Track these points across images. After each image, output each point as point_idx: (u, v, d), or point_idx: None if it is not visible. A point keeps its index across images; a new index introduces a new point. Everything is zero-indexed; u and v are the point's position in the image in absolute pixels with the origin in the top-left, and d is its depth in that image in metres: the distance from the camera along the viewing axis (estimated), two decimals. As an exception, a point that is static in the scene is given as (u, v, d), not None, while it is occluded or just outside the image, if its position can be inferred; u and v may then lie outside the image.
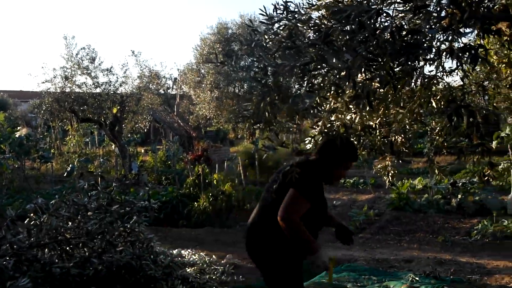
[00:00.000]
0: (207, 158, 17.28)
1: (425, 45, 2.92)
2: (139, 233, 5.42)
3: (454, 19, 2.89)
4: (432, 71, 3.37)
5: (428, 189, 12.00)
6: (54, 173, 16.09)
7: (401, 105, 3.85)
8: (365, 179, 14.51)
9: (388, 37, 2.84)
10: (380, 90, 3.46)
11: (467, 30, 3.06)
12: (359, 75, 3.03)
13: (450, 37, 2.98)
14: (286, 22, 3.22)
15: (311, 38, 3.13)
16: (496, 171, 11.88)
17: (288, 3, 3.18)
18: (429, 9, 2.93)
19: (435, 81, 3.53)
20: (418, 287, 5.92)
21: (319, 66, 3.04)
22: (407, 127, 4.21)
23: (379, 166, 4.78)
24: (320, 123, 3.92)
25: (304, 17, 3.19)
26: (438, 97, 3.67)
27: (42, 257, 4.75)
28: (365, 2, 2.86)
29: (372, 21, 2.81)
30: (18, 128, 18.98)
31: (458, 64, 2.93)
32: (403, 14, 3.09)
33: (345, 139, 3.64)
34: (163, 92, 33.32)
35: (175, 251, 6.89)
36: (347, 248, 6.75)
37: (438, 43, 3.00)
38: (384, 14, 2.95)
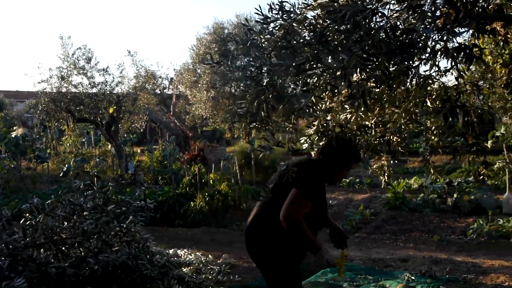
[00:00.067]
0: (203, 157, 17.27)
1: (420, 44, 2.93)
2: (135, 233, 5.41)
3: (449, 18, 2.90)
4: (427, 70, 3.38)
5: (424, 188, 12.04)
6: (50, 173, 16.07)
7: (397, 104, 3.85)
8: (361, 178, 14.54)
9: (383, 36, 2.85)
10: (376, 90, 3.47)
11: (462, 29, 3.07)
12: (355, 74, 3.03)
13: (445, 37, 2.99)
14: (282, 22, 3.23)
15: (306, 37, 3.13)
16: (491, 170, 11.93)
17: (284, 3, 3.18)
18: (424, 8, 2.94)
19: (430, 81, 3.54)
20: (414, 286, 5.93)
21: (314, 66, 3.04)
22: (403, 126, 4.21)
23: (375, 165, 4.79)
24: (315, 123, 3.92)
25: (299, 17, 3.20)
26: (433, 97, 3.68)
27: (37, 257, 4.74)
28: (360, 2, 2.86)
29: (367, 20, 2.82)
30: (14, 128, 18.93)
31: (453, 63, 2.94)
32: (398, 14, 3.10)
33: (348, 140, 3.66)
34: (159, 92, 33.23)
35: (171, 251, 6.90)
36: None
37: (433, 43, 3.01)
38: (379, 14, 2.95)
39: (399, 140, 4.23)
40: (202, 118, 29.25)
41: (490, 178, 10.00)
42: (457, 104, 3.29)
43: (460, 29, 3.02)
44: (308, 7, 3.20)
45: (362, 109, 3.39)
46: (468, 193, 11.09)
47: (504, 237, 8.37)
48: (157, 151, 19.33)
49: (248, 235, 3.70)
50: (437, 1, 2.98)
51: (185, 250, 7.26)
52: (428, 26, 2.91)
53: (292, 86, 3.34)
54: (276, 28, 3.26)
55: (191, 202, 10.61)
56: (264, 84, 3.12)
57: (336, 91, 3.20)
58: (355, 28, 2.78)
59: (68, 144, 19.31)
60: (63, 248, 5.10)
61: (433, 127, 4.18)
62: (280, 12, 3.20)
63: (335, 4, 2.97)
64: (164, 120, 28.07)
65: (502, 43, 3.79)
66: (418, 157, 15.04)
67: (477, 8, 2.99)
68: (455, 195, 10.91)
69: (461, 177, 13.40)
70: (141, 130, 21.53)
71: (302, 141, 4.07)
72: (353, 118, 3.88)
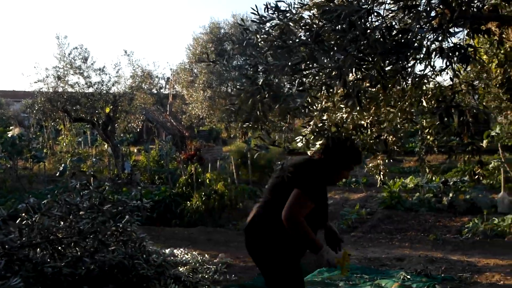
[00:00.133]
0: (200, 157, 17.27)
1: (415, 44, 2.94)
2: (131, 232, 5.41)
3: (444, 18, 2.92)
4: (422, 70, 3.40)
5: (419, 187, 12.07)
6: (46, 173, 16.04)
7: (392, 104, 3.87)
8: (357, 178, 14.56)
9: (379, 36, 2.86)
10: (371, 90, 3.48)
11: (457, 29, 3.09)
12: (350, 74, 3.04)
13: (440, 37, 3.00)
14: (277, 21, 3.23)
15: (302, 37, 3.14)
16: (487, 169, 11.97)
17: (279, 3, 3.19)
18: (419, 8, 2.95)
19: (425, 81, 3.56)
20: (410, 285, 5.95)
21: (310, 66, 3.05)
22: (398, 126, 4.23)
23: (370, 165, 4.81)
24: (311, 123, 3.93)
25: (295, 17, 3.21)
26: (429, 96, 3.69)
27: (33, 257, 4.74)
28: (355, 1, 2.87)
29: (362, 20, 2.83)
30: (11, 127, 18.88)
31: (448, 63, 2.95)
32: (393, 14, 3.12)
33: (349, 141, 3.67)
34: (156, 91, 33.28)
35: (167, 250, 6.90)
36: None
37: (428, 43, 3.02)
38: (375, 14, 2.96)
39: (394, 139, 4.24)
40: (198, 118, 29.24)
41: (485, 178, 10.03)
42: (452, 104, 3.30)
43: (455, 29, 3.03)
44: (304, 7, 3.21)
45: (358, 108, 3.39)
46: (463, 192, 11.13)
47: (499, 236, 8.40)
48: (153, 150, 19.31)
49: (249, 234, 3.71)
50: (432, 1, 2.99)
51: (181, 249, 7.27)
52: (423, 26, 2.92)
53: (288, 86, 3.35)
54: (272, 28, 3.27)
55: (188, 202, 10.61)
56: (260, 83, 3.12)
57: (331, 90, 3.21)
58: (350, 28, 2.79)
59: (64, 144, 19.26)
60: (59, 247, 5.10)
61: (429, 127, 4.19)
62: (276, 12, 3.21)
63: (331, 4, 2.98)
64: (161, 120, 28.04)
65: (497, 43, 3.81)
66: (414, 157, 15.04)
67: (472, 8, 3.01)
68: (450, 195, 10.95)
69: (457, 176, 13.44)
70: (138, 130, 21.52)
71: (297, 141, 4.08)
72: (348, 117, 3.89)
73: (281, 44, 3.12)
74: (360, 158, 3.78)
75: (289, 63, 3.01)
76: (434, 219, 10.04)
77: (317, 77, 3.08)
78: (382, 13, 3.05)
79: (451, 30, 2.98)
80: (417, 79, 3.45)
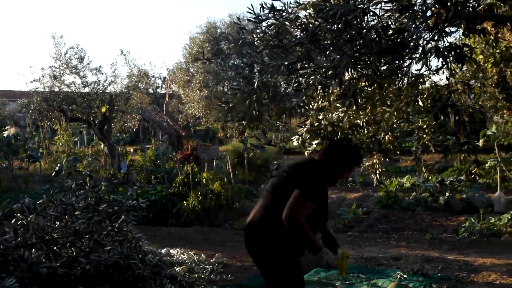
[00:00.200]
0: (196, 157, 17.24)
1: (411, 44, 2.94)
2: (127, 232, 5.41)
3: (440, 18, 2.92)
4: (418, 70, 3.40)
5: (416, 187, 12.08)
6: (42, 173, 15.99)
7: (388, 103, 3.87)
8: (354, 177, 14.55)
9: (374, 36, 2.86)
10: (367, 89, 3.48)
11: (453, 29, 3.09)
12: (346, 74, 3.04)
13: (436, 36, 3.00)
14: (273, 21, 3.23)
15: (298, 37, 3.14)
16: (483, 169, 11.99)
17: (275, 2, 3.19)
18: (415, 8, 2.95)
19: (421, 80, 3.56)
20: (406, 285, 5.95)
21: (306, 65, 3.05)
22: (395, 125, 4.23)
23: (367, 164, 4.81)
24: (307, 122, 3.93)
25: (291, 16, 3.20)
26: (425, 96, 3.70)
27: (29, 257, 4.73)
28: (351, 1, 2.87)
29: (358, 20, 2.83)
30: (6, 127, 18.84)
31: (444, 63, 2.96)
32: (389, 14, 3.11)
33: (350, 142, 3.67)
34: (152, 91, 33.17)
35: (163, 250, 6.89)
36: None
37: (424, 42, 3.02)
38: (371, 13, 2.96)
39: (391, 139, 4.24)
40: (195, 117, 29.22)
41: (481, 177, 10.03)
42: (448, 103, 3.30)
43: (451, 28, 3.03)
44: (299, 6, 3.21)
45: (354, 108, 3.40)
46: (460, 191, 11.14)
47: (496, 235, 8.41)
48: (150, 150, 19.27)
49: (249, 234, 3.70)
50: (428, 1, 2.99)
51: (177, 249, 7.25)
52: (419, 26, 2.92)
53: (284, 86, 3.34)
54: (268, 27, 3.26)
55: (184, 202, 10.60)
56: (256, 83, 3.12)
57: (327, 90, 3.21)
58: (346, 27, 2.78)
59: (60, 144, 19.22)
60: (55, 248, 5.09)
61: (425, 126, 4.20)
62: (272, 11, 3.20)
63: (327, 3, 2.97)
64: (157, 120, 28.00)
65: (492, 42, 3.81)
66: (411, 156, 15.11)
67: (467, 8, 3.01)
68: (447, 194, 10.96)
69: (453, 175, 13.45)
70: (134, 130, 21.48)
71: (294, 140, 4.08)
72: (345, 117, 3.89)
73: (277, 43, 3.12)
74: (360, 158, 3.79)
75: (285, 63, 3.01)
76: (431, 218, 10.05)
77: (313, 77, 3.08)
78: (378, 12, 3.05)
79: (446, 29, 2.98)
80: (413, 79, 3.45)
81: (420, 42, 3.01)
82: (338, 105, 3.72)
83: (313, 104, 3.79)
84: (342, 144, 3.64)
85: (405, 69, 3.17)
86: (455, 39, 3.47)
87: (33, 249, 4.89)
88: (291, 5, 3.22)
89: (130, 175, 15.26)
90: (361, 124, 4.04)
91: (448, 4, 2.91)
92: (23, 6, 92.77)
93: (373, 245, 8.35)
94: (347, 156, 3.65)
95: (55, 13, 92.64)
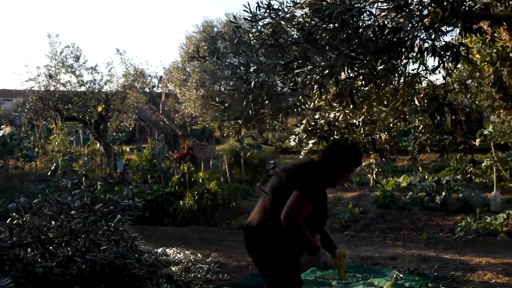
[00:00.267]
0: (192, 156, 17.24)
1: (407, 43, 2.93)
2: (123, 231, 5.39)
3: (436, 17, 2.91)
4: (415, 69, 3.39)
5: (412, 186, 12.10)
6: (38, 172, 15.96)
7: (385, 103, 3.86)
8: (350, 176, 14.55)
9: (371, 35, 2.85)
10: (363, 88, 3.47)
11: (449, 28, 3.09)
12: (342, 73, 3.03)
13: (432, 36, 3.00)
14: (270, 20, 3.22)
15: (294, 36, 3.13)
16: (479, 168, 12.01)
17: (272, 1, 3.18)
18: (411, 7, 2.94)
19: (418, 80, 3.55)
20: (402, 284, 5.96)
21: (302, 64, 3.04)
22: (391, 125, 4.23)
23: (363, 164, 4.81)
24: (304, 121, 3.92)
25: (287, 15, 3.19)
26: (421, 95, 3.69)
27: (24, 257, 4.71)
28: (347, 0, 2.86)
29: (354, 19, 2.82)
30: (2, 126, 18.77)
31: (440, 62, 2.95)
32: (385, 13, 3.11)
33: (351, 143, 3.67)
34: (148, 90, 33.13)
35: (159, 250, 6.87)
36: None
37: (421, 42, 3.02)
38: (367, 13, 2.96)
39: (387, 138, 4.24)
40: (191, 117, 29.22)
41: (478, 176, 10.05)
42: (444, 102, 3.30)
43: (447, 28, 3.03)
44: (296, 6, 3.20)
45: (350, 107, 3.39)
46: (456, 191, 11.16)
47: (492, 235, 8.43)
48: (146, 149, 19.25)
49: (249, 235, 3.71)
50: (424, 0, 2.99)
51: (174, 249, 7.24)
52: (415, 25, 2.92)
53: (280, 85, 3.33)
54: (264, 26, 3.25)
55: (180, 201, 10.58)
56: (252, 82, 3.11)
57: (324, 89, 3.20)
58: (342, 26, 2.78)
59: (56, 143, 19.18)
60: (50, 247, 5.07)
61: (421, 126, 4.19)
62: (268, 10, 3.19)
63: (323, 2, 2.97)
64: (154, 119, 27.96)
65: (489, 42, 3.81)
66: (407, 156, 15.10)
67: (463, 7, 3.01)
68: (443, 193, 10.98)
69: (450, 175, 13.47)
70: (130, 129, 21.45)
71: (290, 140, 4.07)
72: (341, 116, 3.88)
73: (273, 42, 3.11)
74: (360, 159, 3.78)
75: (281, 62, 3.00)
76: (427, 218, 10.07)
77: (309, 76, 3.07)
78: (374, 12, 3.04)
79: (443, 29, 2.97)
80: (409, 78, 3.44)
81: (417, 41, 3.01)
82: (335, 104, 3.71)
83: (309, 104, 3.78)
84: (342, 145, 3.64)
85: (401, 68, 3.16)
86: (452, 38, 3.47)
87: (29, 249, 4.87)
88: (288, 4, 3.21)
89: (126, 174, 15.23)
90: (357, 124, 4.04)
91: (444, 3, 2.90)
92: (18, 4, 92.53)
93: (370, 244, 8.37)
94: (347, 157, 3.64)
95: (50, 11, 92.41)
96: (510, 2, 3.46)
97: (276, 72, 3.07)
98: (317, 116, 3.91)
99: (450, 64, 3.06)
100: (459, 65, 3.65)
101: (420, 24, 2.94)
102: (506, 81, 4.80)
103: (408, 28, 2.87)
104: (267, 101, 3.15)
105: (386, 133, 4.19)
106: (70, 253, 5.01)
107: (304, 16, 3.15)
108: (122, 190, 11.85)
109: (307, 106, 3.70)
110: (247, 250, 3.76)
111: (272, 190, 3.65)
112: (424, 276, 6.23)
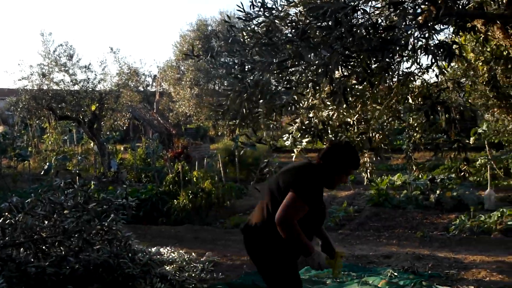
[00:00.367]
0: (187, 155, 17.21)
1: (401, 41, 2.93)
2: (116, 231, 5.37)
3: (430, 16, 2.91)
4: (409, 67, 3.39)
5: (407, 185, 12.11)
6: (31, 172, 15.89)
7: (379, 101, 3.86)
8: (345, 175, 14.54)
9: (364, 33, 2.85)
10: (357, 87, 3.47)
11: (443, 27, 3.08)
12: (336, 71, 3.02)
13: (426, 34, 2.99)
14: (264, 18, 3.21)
15: (288, 34, 3.12)
16: (473, 167, 12.04)
17: (265, 0, 3.17)
18: (405, 5, 2.94)
19: (412, 78, 3.55)
20: (397, 283, 5.96)
21: (296, 63, 3.03)
22: (386, 123, 4.23)
23: (358, 162, 4.80)
24: (298, 120, 3.92)
25: (281, 14, 3.18)
26: (415, 94, 3.70)
27: (17, 257, 4.69)
28: (341, -2, 2.86)
29: (348, 17, 2.81)
30: (-5, 126, 18.69)
31: (434, 60, 2.95)
32: (379, 11, 3.10)
33: (348, 147, 3.66)
34: (142, 89, 33.04)
35: (154, 249, 6.85)
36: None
37: (414, 40, 3.02)
38: (361, 11, 2.95)
39: (382, 137, 4.24)
40: (185, 116, 29.15)
41: (471, 175, 10.09)
42: (438, 101, 3.30)
43: (441, 26, 3.02)
44: (290, 4, 3.19)
45: (344, 106, 3.39)
46: (450, 189, 11.18)
47: (486, 233, 8.44)
48: (140, 148, 19.20)
49: (247, 235, 3.71)
50: (418, -2, 2.99)
51: (168, 248, 7.22)
52: (409, 23, 2.91)
53: (274, 83, 3.33)
54: (258, 25, 3.24)
55: (175, 200, 10.56)
56: (247, 82, 3.10)
57: (318, 88, 3.20)
58: (336, 25, 2.77)
59: (49, 142, 19.09)
60: (43, 247, 5.04)
61: (416, 124, 4.20)
62: (262, 9, 3.18)
63: (317, 1, 2.96)
64: (148, 118, 27.90)
65: (482, 40, 3.81)
66: (402, 154, 15.12)
67: (457, 6, 3.01)
68: (437, 192, 10.99)
69: (444, 173, 13.50)
70: (124, 128, 21.40)
71: (284, 138, 4.07)
72: (335, 115, 3.88)
73: (267, 41, 3.10)
74: (358, 163, 3.77)
75: (275, 61, 2.99)
76: (422, 216, 10.07)
77: (303, 75, 3.06)
78: (368, 10, 3.04)
79: (436, 27, 2.97)
80: (402, 77, 3.45)
81: (410, 39, 3.00)
82: (329, 103, 3.71)
83: (303, 102, 3.78)
84: (340, 148, 3.62)
85: (395, 66, 3.16)
86: (446, 37, 3.47)
87: (21, 249, 4.84)
88: (281, 3, 3.20)
89: (120, 173, 15.19)
90: (351, 122, 4.04)
91: (438, 1, 2.90)
92: (11, 2, 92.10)
93: (364, 243, 8.36)
94: (345, 160, 3.63)
95: (43, 10, 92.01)
96: (504, 1, 3.46)
97: (270, 71, 3.06)
98: (311, 115, 3.91)
99: (443, 62, 3.06)
100: (453, 64, 3.65)
101: (414, 22, 2.94)
102: (500, 80, 4.81)
103: (402, 26, 2.87)
104: (261, 100, 3.14)
105: (380, 131, 4.19)
106: (63, 252, 4.99)
107: (298, 14, 3.14)
108: (116, 189, 11.80)
109: (301, 104, 3.70)
110: (246, 251, 3.76)
111: (269, 192, 3.64)
112: (418, 274, 6.23)
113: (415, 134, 4.25)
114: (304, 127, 3.89)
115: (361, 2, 2.97)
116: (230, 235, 8.72)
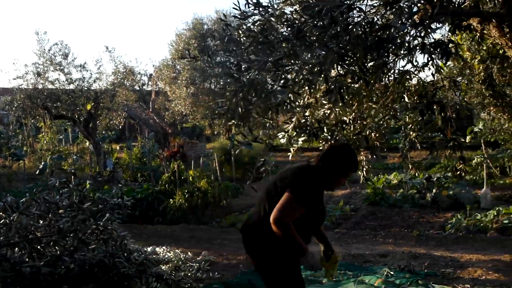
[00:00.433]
0: (183, 154, 17.17)
1: (397, 40, 2.92)
2: (112, 230, 5.35)
3: (426, 14, 2.90)
4: (404, 66, 3.39)
5: (403, 184, 12.12)
6: (26, 171, 15.83)
7: (374, 100, 3.86)
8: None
9: (360, 32, 2.84)
10: (353, 85, 3.46)
11: (439, 25, 3.08)
12: (332, 70, 3.01)
13: (422, 33, 2.99)
14: (259, 17, 3.20)
15: (283, 33, 3.11)
16: (469, 165, 12.06)
17: (261, -2, 3.16)
18: (400, 4, 2.93)
19: (408, 77, 3.55)
20: (393, 281, 5.96)
21: (292, 62, 3.02)
22: (382, 122, 4.22)
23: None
24: (294, 119, 3.90)
25: (277, 12, 3.17)
26: (411, 92, 3.69)
27: (11, 256, 4.67)
28: (337, -3, 2.84)
29: (344, 16, 2.80)
30: (-11, 125, 18.63)
31: (430, 59, 2.94)
32: (375, 10, 3.09)
33: (347, 149, 3.65)
34: (138, 88, 33.00)
35: (149, 248, 6.83)
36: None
37: (410, 39, 3.01)
38: (357, 9, 2.94)
39: (378, 135, 4.23)
40: (181, 115, 29.14)
41: (467, 173, 10.11)
42: (433, 99, 3.29)
43: (437, 25, 3.02)
44: (285, 2, 3.18)
45: (340, 104, 3.38)
46: (446, 188, 11.19)
47: (482, 232, 8.45)
48: (136, 148, 19.15)
49: (246, 236, 3.71)
50: (414, -3, 2.98)
51: (164, 247, 7.20)
52: (405, 22, 2.90)
53: (270, 82, 3.31)
54: (254, 24, 3.23)
55: (171, 199, 10.53)
56: (243, 81, 3.09)
57: (313, 86, 3.18)
58: (331, 23, 2.76)
59: (45, 142, 19.03)
60: (38, 247, 5.02)
61: (412, 123, 4.19)
62: (257, 8, 3.17)
63: (314, -1, 2.95)
64: (143, 117, 27.84)
65: (478, 39, 3.81)
66: (398, 153, 15.14)
67: (453, 4, 3.00)
68: (434, 191, 11.00)
69: (440, 172, 13.52)
70: (120, 127, 21.35)
71: (280, 137, 4.06)
72: (331, 113, 3.87)
73: (262, 40, 3.09)
74: (357, 165, 3.76)
75: (271, 59, 2.98)
76: (418, 215, 10.08)
77: (299, 73, 3.05)
78: (364, 8, 3.02)
79: (432, 26, 2.96)
80: (398, 75, 3.44)
81: (406, 38, 2.99)
82: (325, 101, 3.69)
83: (299, 101, 3.76)
84: (339, 150, 3.62)
85: (391, 65, 3.15)
86: (442, 36, 3.46)
87: (16, 248, 4.82)
88: (277, 1, 3.19)
89: (116, 173, 15.15)
90: (347, 121, 4.03)
91: (434, 0, 2.89)
92: (5, 0, 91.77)
93: (360, 242, 8.36)
94: (344, 162, 3.62)
95: (38, 8, 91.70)
96: (500, -1, 3.45)
97: (266, 69, 3.05)
98: (307, 113, 3.90)
99: (439, 61, 3.06)
100: (449, 62, 3.65)
101: (409, 21, 2.93)
102: (496, 79, 4.81)
103: (398, 25, 2.86)
104: (256, 98, 3.13)
105: (376, 130, 4.19)
106: (58, 252, 4.97)
107: (293, 13, 3.13)
108: (112, 188, 11.77)
109: (297, 103, 3.69)
110: (245, 250, 3.76)
111: (267, 192, 3.64)
112: (414, 273, 6.23)
113: (411, 133, 4.24)
114: (300, 126, 3.88)
115: (356, 0, 2.96)
116: (226, 234, 8.71)
